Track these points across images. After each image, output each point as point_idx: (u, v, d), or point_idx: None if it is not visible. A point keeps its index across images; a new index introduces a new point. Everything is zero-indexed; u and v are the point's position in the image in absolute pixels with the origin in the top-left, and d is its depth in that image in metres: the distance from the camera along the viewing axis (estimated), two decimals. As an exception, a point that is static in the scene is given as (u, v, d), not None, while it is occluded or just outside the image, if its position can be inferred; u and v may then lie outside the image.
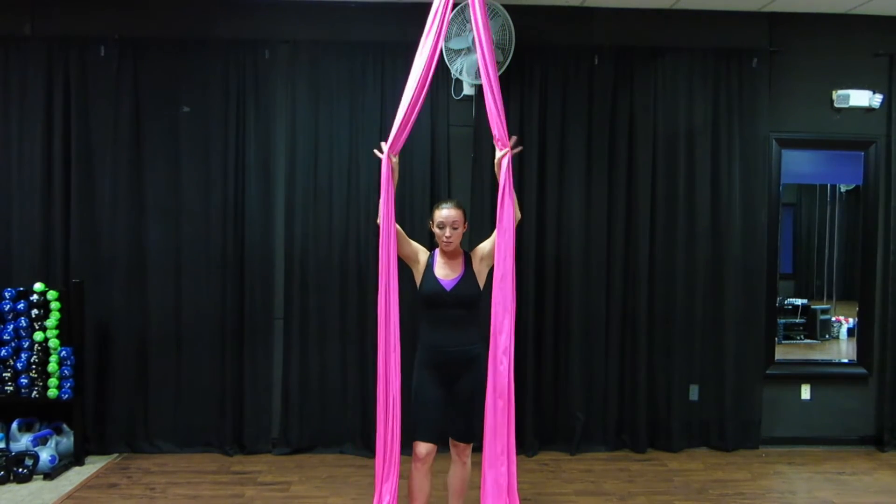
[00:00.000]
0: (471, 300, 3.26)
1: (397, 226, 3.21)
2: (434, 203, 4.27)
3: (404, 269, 3.29)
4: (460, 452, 3.32)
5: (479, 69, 3.17)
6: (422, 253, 3.35)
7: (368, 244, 4.61)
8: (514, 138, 3.20)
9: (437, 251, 3.32)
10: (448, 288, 3.22)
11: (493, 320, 3.15)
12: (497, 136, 3.17)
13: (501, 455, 3.12)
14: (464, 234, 3.32)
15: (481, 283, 3.31)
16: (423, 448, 3.24)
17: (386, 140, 3.19)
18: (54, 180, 4.55)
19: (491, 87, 3.11)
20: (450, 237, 3.23)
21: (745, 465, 4.58)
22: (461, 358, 3.22)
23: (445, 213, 3.24)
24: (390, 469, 3.16)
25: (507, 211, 3.15)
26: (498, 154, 3.19)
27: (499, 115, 3.13)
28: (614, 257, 4.75)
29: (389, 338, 3.15)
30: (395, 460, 3.17)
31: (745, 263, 4.80)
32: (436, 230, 3.27)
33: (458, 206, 3.30)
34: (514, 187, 4.69)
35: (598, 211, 4.73)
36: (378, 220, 3.24)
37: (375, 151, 3.22)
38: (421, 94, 3.17)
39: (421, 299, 3.30)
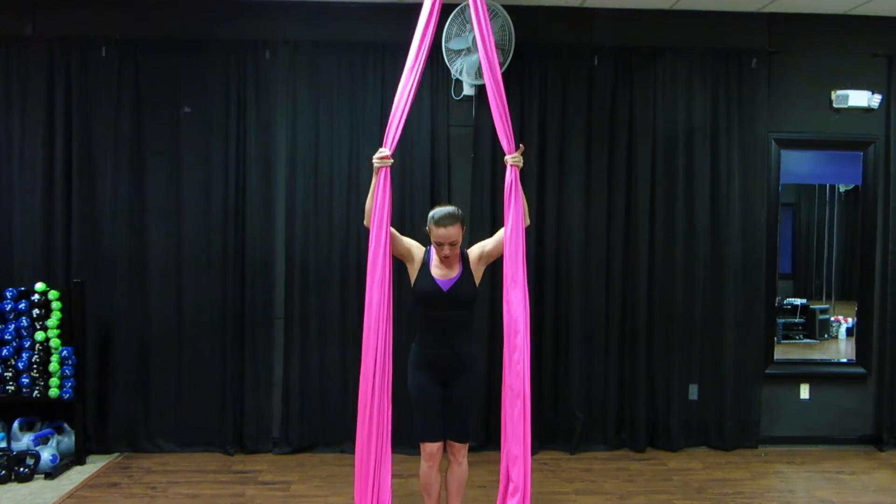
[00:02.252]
0: (468, 300, 3.23)
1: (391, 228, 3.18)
2: (433, 204, 4.29)
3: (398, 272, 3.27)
4: (456, 452, 3.31)
5: (488, 91, 3.16)
6: (416, 249, 3.29)
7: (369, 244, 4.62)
8: (520, 147, 3.19)
9: (433, 248, 3.26)
10: (445, 288, 3.18)
11: (506, 322, 3.12)
12: (504, 144, 3.17)
13: (519, 457, 3.09)
14: (463, 236, 3.28)
15: (478, 282, 3.28)
16: (431, 447, 3.25)
17: (384, 144, 3.15)
18: (55, 180, 4.56)
19: (497, 97, 3.12)
20: (448, 255, 3.18)
21: (745, 465, 4.59)
22: (456, 360, 3.21)
23: (443, 232, 3.12)
24: (380, 470, 3.13)
25: (515, 216, 3.12)
26: (518, 160, 3.17)
27: (503, 125, 3.13)
28: (614, 257, 4.76)
29: (379, 344, 3.09)
30: (386, 462, 3.16)
31: (745, 263, 4.81)
32: (434, 244, 3.20)
33: (456, 219, 3.16)
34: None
35: (598, 211, 4.74)
36: (365, 223, 3.22)
37: (379, 158, 3.12)
38: (413, 92, 3.15)
39: (416, 298, 3.25)
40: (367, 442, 3.10)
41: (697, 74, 4.77)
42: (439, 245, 3.16)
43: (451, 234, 3.13)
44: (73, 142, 4.56)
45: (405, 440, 4.55)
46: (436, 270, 3.22)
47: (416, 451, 4.52)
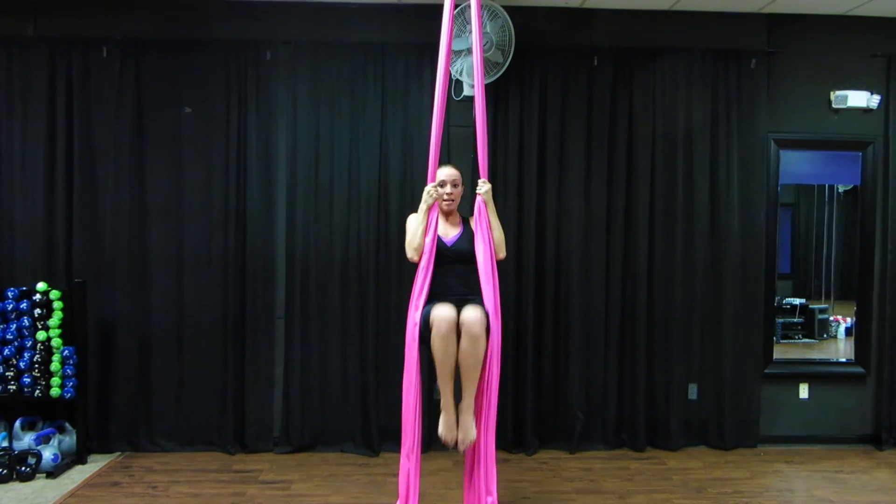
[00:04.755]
0: (470, 254, 3.36)
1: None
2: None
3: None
4: (470, 326, 3.12)
5: (476, 115, 3.43)
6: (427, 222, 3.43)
7: (369, 244, 4.64)
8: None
9: (435, 216, 3.40)
10: (449, 244, 3.38)
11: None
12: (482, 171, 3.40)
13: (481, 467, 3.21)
14: (462, 195, 3.50)
15: None
16: (443, 311, 3.15)
17: (430, 179, 3.40)
18: (57, 180, 4.57)
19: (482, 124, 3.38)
20: (451, 194, 3.41)
21: (744, 464, 4.61)
22: (465, 301, 3.30)
23: (447, 170, 3.43)
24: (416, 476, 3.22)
25: (485, 248, 3.30)
26: (481, 189, 3.39)
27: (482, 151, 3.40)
28: (613, 257, 4.77)
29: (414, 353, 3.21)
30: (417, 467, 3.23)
31: (744, 263, 4.82)
32: (436, 189, 3.39)
33: (457, 167, 3.53)
34: (514, 189, 4.75)
35: (598, 211, 4.75)
36: (410, 255, 3.35)
37: (429, 192, 3.37)
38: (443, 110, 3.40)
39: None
40: (411, 450, 3.20)
41: (697, 75, 4.78)
42: (442, 185, 3.39)
43: (452, 173, 3.46)
44: (74, 142, 4.58)
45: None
46: (440, 229, 3.40)
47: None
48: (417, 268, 3.35)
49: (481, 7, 4.18)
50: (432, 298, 3.32)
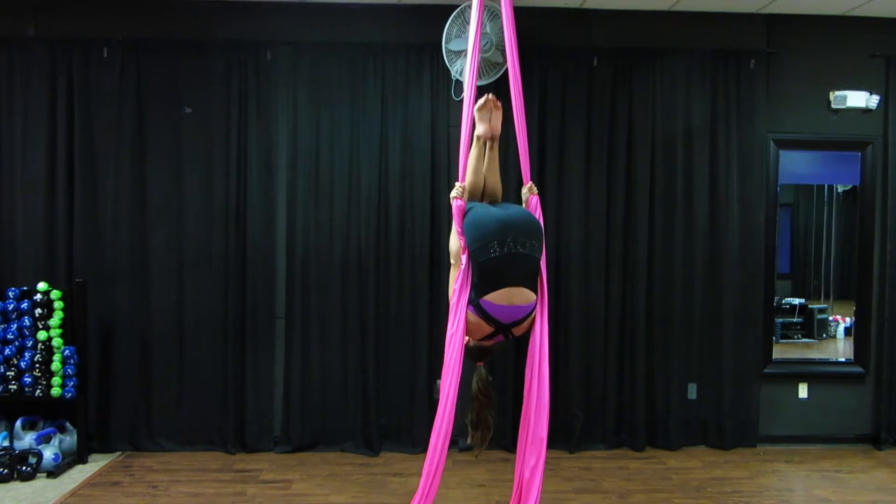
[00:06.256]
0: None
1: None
2: (433, 205, 4.52)
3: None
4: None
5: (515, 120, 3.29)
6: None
7: (369, 243, 4.65)
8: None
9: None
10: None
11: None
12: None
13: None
14: None
15: None
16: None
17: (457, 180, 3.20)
18: (58, 180, 4.58)
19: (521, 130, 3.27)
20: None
21: (743, 464, 4.61)
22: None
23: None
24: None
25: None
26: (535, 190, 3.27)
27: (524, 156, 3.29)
28: (613, 257, 4.78)
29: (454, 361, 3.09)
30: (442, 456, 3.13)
31: (743, 263, 4.83)
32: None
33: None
34: (514, 188, 4.74)
35: (597, 211, 4.76)
36: (458, 263, 3.13)
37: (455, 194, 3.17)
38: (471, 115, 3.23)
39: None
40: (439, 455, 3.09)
41: (696, 75, 4.79)
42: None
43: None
44: (74, 142, 4.58)
45: (405, 438, 4.58)
46: None
47: (416, 450, 4.56)
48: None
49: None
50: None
